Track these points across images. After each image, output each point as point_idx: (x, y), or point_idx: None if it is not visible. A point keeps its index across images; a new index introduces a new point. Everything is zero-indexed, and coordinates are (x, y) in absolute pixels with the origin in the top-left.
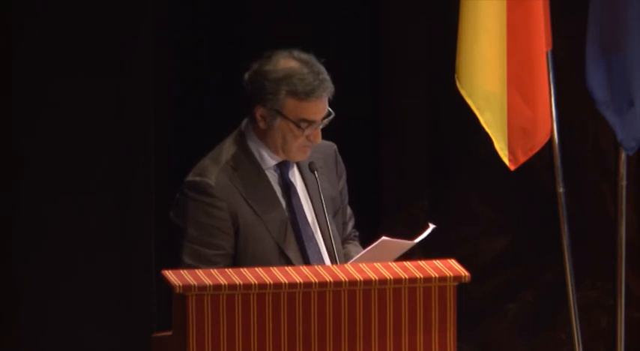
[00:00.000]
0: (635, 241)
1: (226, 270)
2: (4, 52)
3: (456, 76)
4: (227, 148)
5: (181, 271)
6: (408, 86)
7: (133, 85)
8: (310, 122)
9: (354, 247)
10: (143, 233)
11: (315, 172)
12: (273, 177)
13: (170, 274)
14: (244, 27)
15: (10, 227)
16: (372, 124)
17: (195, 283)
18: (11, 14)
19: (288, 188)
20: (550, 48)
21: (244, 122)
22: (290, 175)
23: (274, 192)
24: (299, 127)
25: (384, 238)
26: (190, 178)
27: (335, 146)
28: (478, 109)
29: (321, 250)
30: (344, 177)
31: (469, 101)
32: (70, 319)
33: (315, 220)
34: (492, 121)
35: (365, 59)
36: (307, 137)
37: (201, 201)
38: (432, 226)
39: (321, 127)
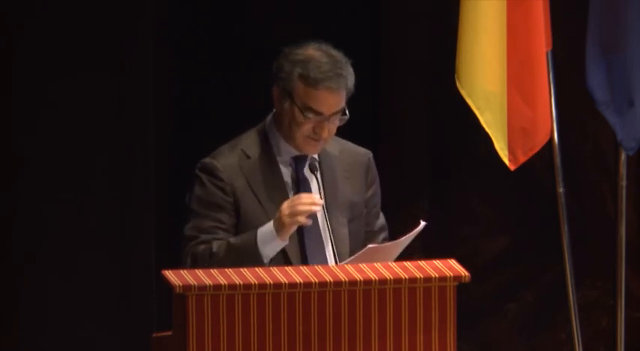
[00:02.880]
0: (635, 241)
1: (226, 270)
2: (4, 52)
3: (456, 76)
4: (247, 136)
5: (181, 271)
6: (408, 86)
7: (133, 85)
8: (316, 113)
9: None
10: (143, 233)
11: (316, 172)
12: (286, 170)
13: (170, 274)
14: (244, 27)
15: (10, 227)
16: (372, 124)
17: (195, 283)
18: (11, 14)
19: (298, 183)
20: (550, 48)
21: (270, 114)
22: (306, 172)
23: (284, 184)
24: (304, 115)
25: (369, 245)
26: (204, 159)
27: (370, 155)
28: (478, 109)
29: (326, 249)
30: (374, 187)
31: (469, 101)
32: (70, 319)
33: (326, 221)
34: (492, 121)
35: (365, 59)
36: (314, 129)
37: (206, 180)
38: (422, 224)
39: (335, 123)
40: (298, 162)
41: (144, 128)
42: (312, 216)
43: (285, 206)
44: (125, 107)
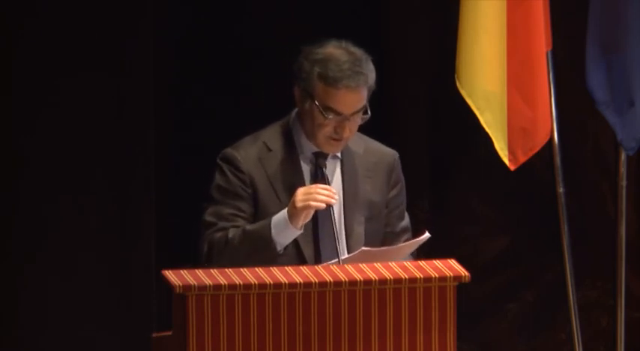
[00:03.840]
0: (635, 241)
1: (226, 270)
2: (4, 52)
3: (456, 76)
4: (270, 129)
5: (181, 271)
6: (408, 86)
7: (133, 85)
8: (337, 113)
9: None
10: (143, 233)
11: (323, 168)
12: (307, 166)
13: (170, 274)
14: (244, 27)
15: (10, 227)
16: (372, 124)
17: (195, 283)
18: (11, 14)
19: (316, 179)
20: (550, 48)
21: (295, 109)
22: (326, 169)
23: (302, 180)
24: (324, 115)
25: (363, 248)
26: (226, 149)
27: (397, 156)
28: (478, 109)
29: (340, 247)
30: (398, 187)
31: (469, 101)
32: (70, 319)
33: (343, 218)
34: (492, 121)
35: None
36: (335, 129)
37: (227, 169)
38: (426, 235)
39: (356, 122)
40: (319, 158)
41: (144, 128)
42: (329, 212)
43: (300, 192)
44: (125, 107)
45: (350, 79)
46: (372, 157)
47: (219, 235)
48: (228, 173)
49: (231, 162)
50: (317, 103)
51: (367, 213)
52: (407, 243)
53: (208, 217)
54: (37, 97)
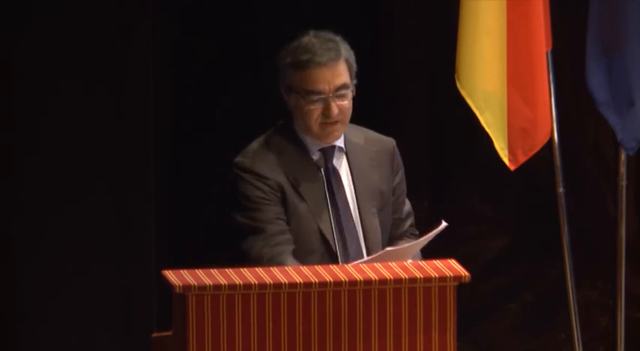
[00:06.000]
0: (635, 241)
1: (226, 270)
2: (4, 52)
3: (456, 76)
4: (275, 133)
5: (181, 271)
6: (408, 86)
7: (132, 85)
8: (316, 93)
9: (406, 243)
10: (143, 233)
11: (322, 168)
12: (318, 162)
13: (170, 274)
14: (246, 27)
15: (10, 228)
16: (372, 124)
17: (196, 283)
18: (11, 14)
19: (328, 174)
20: (550, 48)
21: None
22: (335, 163)
23: (318, 177)
24: (305, 99)
25: (387, 248)
26: (238, 158)
27: (394, 142)
28: (478, 109)
29: (360, 240)
30: (400, 173)
31: (469, 101)
32: (70, 319)
33: (357, 211)
34: (492, 121)
35: (365, 59)
36: (323, 113)
37: (250, 178)
38: (443, 224)
39: (343, 100)
40: (326, 153)
41: (144, 128)
42: (346, 207)
43: None
44: (125, 107)
45: (320, 56)
46: (373, 146)
47: (275, 252)
48: (254, 182)
49: (252, 171)
50: (297, 91)
51: (378, 203)
52: (426, 236)
53: (249, 221)
54: (37, 98)
